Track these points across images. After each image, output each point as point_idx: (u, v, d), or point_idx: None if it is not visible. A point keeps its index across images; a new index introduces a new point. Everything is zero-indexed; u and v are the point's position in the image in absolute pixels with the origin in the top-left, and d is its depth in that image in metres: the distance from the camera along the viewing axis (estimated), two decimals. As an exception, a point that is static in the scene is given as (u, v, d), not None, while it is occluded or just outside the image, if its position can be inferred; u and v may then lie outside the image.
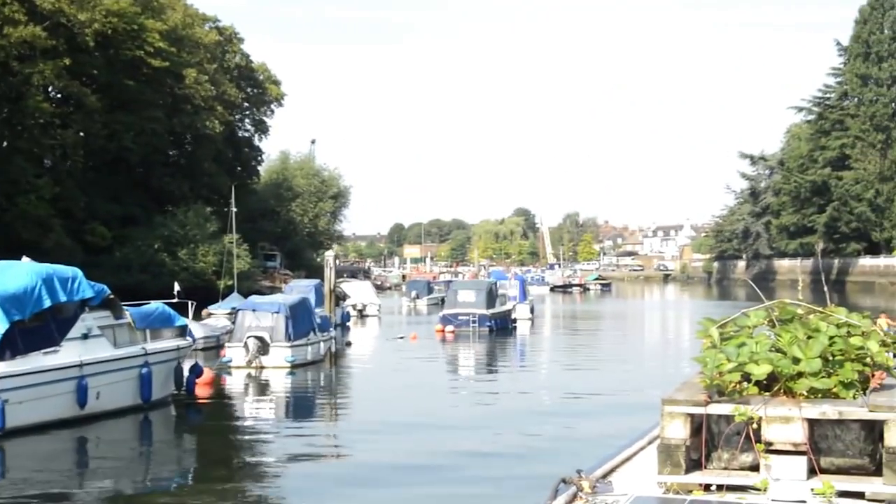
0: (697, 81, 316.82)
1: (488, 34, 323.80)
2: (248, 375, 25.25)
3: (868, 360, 5.10)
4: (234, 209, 55.28)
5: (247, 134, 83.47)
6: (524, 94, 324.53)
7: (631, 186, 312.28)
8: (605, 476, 5.24)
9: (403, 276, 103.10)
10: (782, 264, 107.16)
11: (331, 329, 30.35)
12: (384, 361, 32.04)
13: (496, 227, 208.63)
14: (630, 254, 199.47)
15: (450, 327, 38.83)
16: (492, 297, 40.59)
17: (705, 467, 4.91)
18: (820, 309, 5.49)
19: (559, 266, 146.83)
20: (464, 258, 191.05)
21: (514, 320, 43.38)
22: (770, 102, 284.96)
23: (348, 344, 35.95)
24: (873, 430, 4.76)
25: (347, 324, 45.08)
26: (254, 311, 26.98)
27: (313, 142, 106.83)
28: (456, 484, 13.12)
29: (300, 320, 27.30)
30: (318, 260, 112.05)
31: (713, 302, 70.26)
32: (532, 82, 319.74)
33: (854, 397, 4.87)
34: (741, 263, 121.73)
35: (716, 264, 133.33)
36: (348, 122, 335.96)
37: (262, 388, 24.01)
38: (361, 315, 50.04)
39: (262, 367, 25.75)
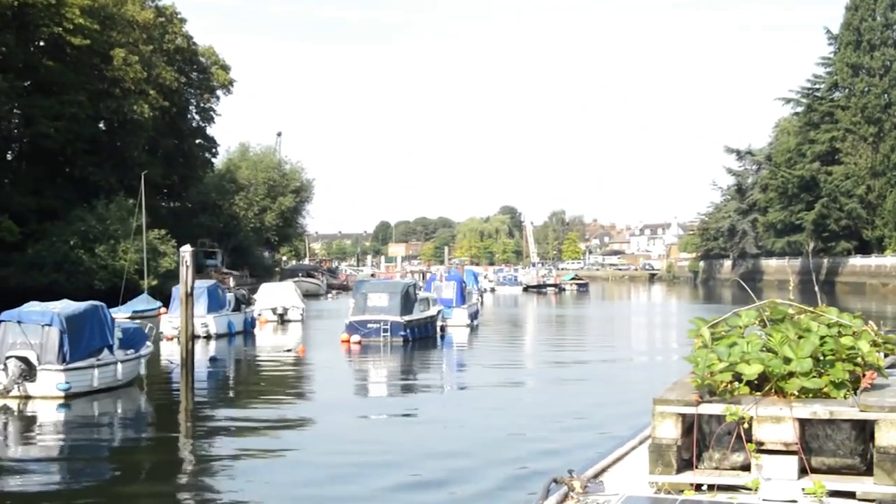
0: (688, 77, 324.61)
1: (476, 32, 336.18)
2: (6, 409, 20.22)
3: (859, 359, 5.39)
4: (143, 200, 52.85)
5: (194, 123, 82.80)
6: (512, 91, 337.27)
7: (620, 184, 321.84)
8: (596, 476, 5.51)
9: (373, 275, 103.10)
10: (770, 264, 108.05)
11: (147, 344, 25.16)
12: (240, 383, 27.17)
13: (481, 225, 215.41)
14: (616, 253, 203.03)
15: (356, 337, 34.77)
16: (408, 300, 36.33)
17: (696, 467, 5.18)
18: (811, 309, 5.79)
19: (541, 265, 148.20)
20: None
21: (443, 328, 39.33)
22: (762, 97, 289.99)
23: (213, 360, 31.32)
24: (864, 429, 5.05)
25: (253, 331, 41.91)
26: (19, 322, 21.54)
27: (279, 134, 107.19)
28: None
29: (85, 335, 21.89)
30: (275, 257, 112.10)
31: (699, 305, 70.08)
32: (520, 79, 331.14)
33: (845, 397, 5.15)
34: (727, 263, 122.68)
35: (702, 264, 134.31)
36: (338, 120, 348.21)
37: (15, 429, 18.85)
38: (282, 320, 47.39)
39: (27, 397, 20.83)
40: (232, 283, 52.74)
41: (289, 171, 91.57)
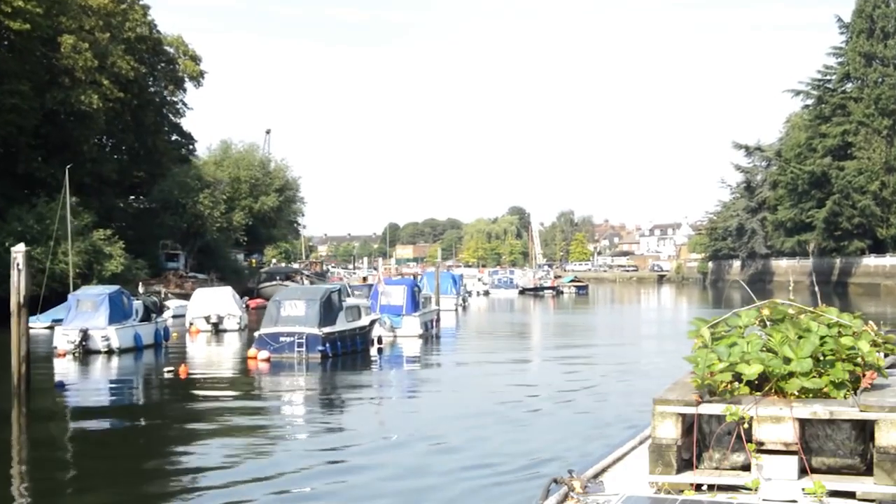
0: (698, 74, 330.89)
1: (483, 33, 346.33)
2: None
3: (859, 359, 5.65)
4: (71, 198, 51.44)
5: (168, 118, 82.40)
6: (521, 90, 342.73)
7: (630, 184, 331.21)
8: (596, 476, 5.77)
9: (364, 279, 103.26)
10: (779, 264, 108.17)
11: None
12: (68, 420, 21.89)
13: (489, 226, 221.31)
14: (626, 253, 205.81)
15: (264, 353, 31.02)
16: (330, 309, 32.67)
17: (696, 467, 5.43)
18: (811, 309, 6.06)
19: (547, 266, 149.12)
20: (454, 258, 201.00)
21: (381, 339, 36.18)
22: (774, 94, 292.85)
23: (60, 385, 26.06)
24: (864, 429, 5.30)
25: (164, 343, 38.01)
26: None
27: (268, 132, 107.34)
28: None
29: None
30: (262, 259, 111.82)
31: (709, 310, 68.67)
32: (528, 78, 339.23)
33: (845, 397, 5.40)
34: (736, 263, 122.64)
35: (710, 265, 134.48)
36: (349, 121, 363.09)
37: None
38: (217, 329, 44.15)
39: None
40: (141, 288, 50.22)
41: (273, 170, 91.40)
